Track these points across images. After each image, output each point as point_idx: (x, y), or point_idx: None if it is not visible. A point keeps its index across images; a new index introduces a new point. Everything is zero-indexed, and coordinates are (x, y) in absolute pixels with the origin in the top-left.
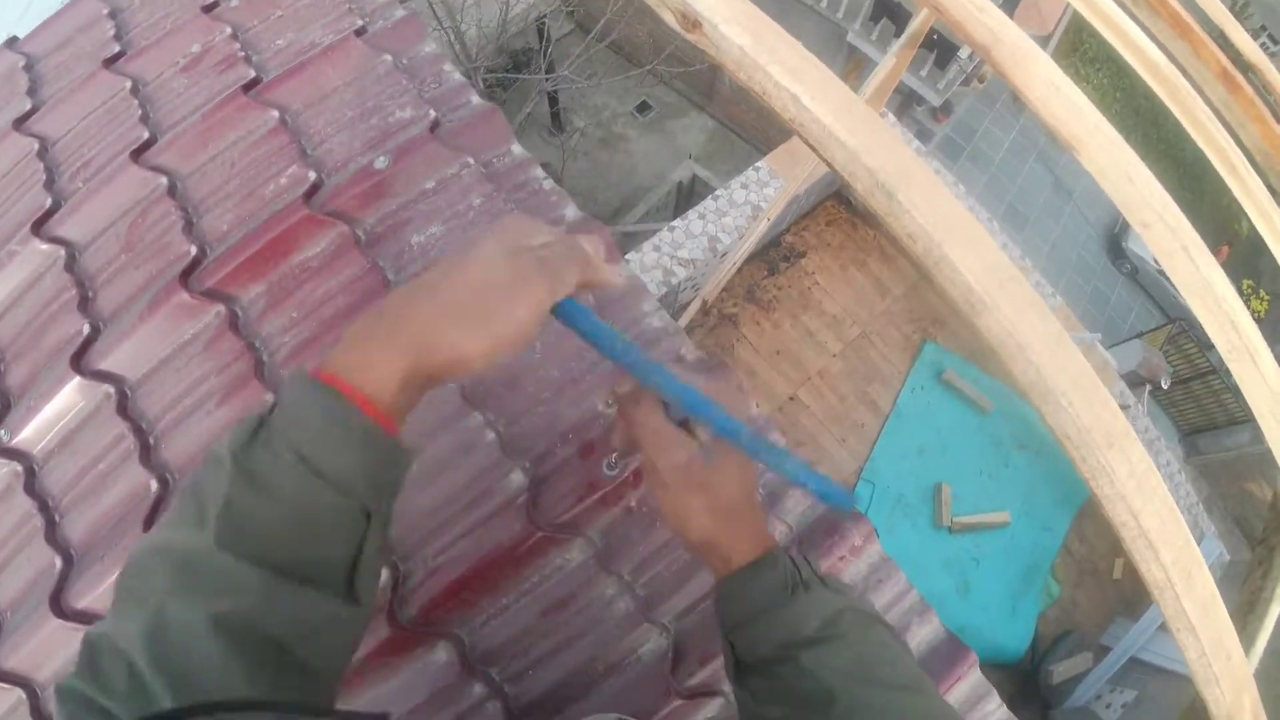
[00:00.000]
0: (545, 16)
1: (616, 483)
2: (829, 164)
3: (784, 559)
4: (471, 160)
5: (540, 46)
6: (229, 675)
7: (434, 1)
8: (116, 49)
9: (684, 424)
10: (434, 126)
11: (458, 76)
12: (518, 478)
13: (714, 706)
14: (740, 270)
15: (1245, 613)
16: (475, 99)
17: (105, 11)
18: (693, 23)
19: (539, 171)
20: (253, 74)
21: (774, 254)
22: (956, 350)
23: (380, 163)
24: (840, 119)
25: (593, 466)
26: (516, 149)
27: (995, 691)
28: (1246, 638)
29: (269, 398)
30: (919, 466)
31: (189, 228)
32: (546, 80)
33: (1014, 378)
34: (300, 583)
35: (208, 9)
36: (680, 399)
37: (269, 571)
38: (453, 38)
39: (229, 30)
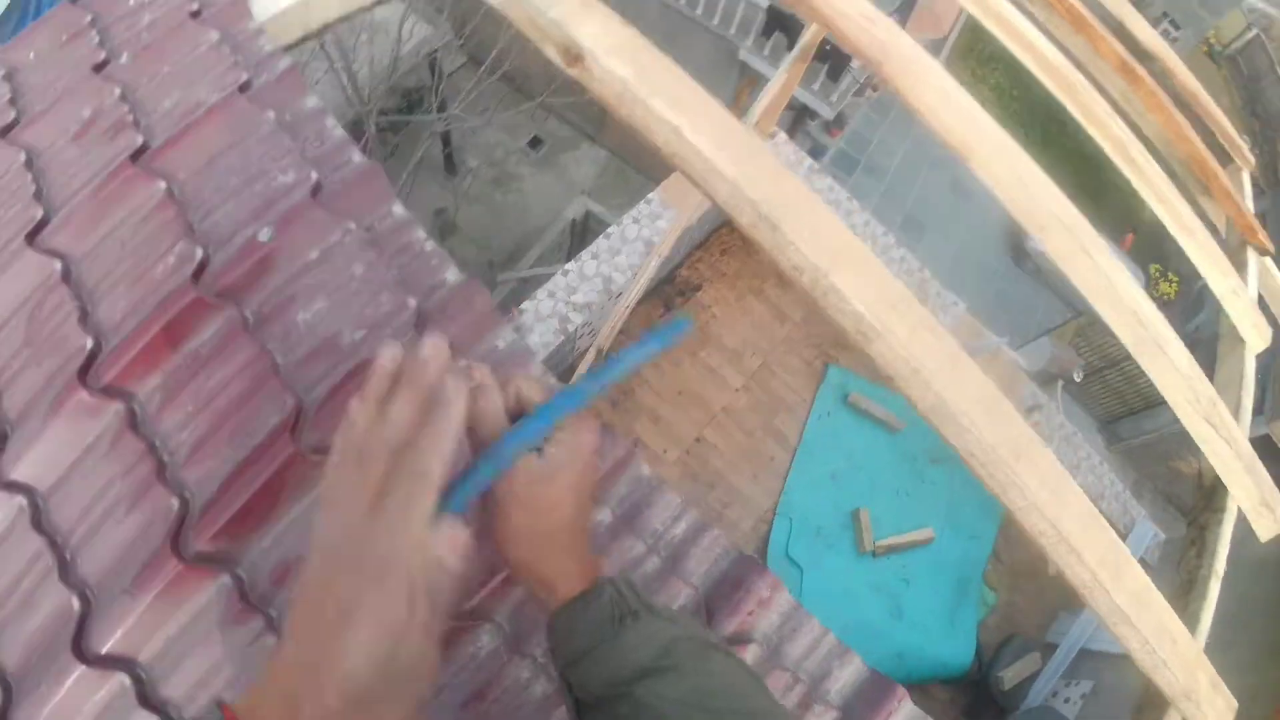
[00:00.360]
0: (437, 51)
1: None
2: (712, 199)
3: (609, 589)
4: (353, 225)
5: (432, 83)
6: None
7: (326, 42)
8: (12, 116)
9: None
10: (316, 190)
11: (339, 132)
12: None
13: None
14: (635, 310)
15: (1185, 592)
16: (357, 157)
17: (1, 74)
18: (575, 57)
19: (420, 234)
20: (140, 140)
21: (669, 290)
22: (860, 371)
23: (264, 234)
24: (723, 150)
25: (493, 549)
26: (398, 209)
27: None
28: (1190, 617)
29: (173, 502)
30: (835, 494)
31: (84, 317)
32: (439, 120)
33: (912, 402)
34: None
35: (98, 68)
36: (532, 434)
37: None
38: (345, 79)
39: (118, 91)
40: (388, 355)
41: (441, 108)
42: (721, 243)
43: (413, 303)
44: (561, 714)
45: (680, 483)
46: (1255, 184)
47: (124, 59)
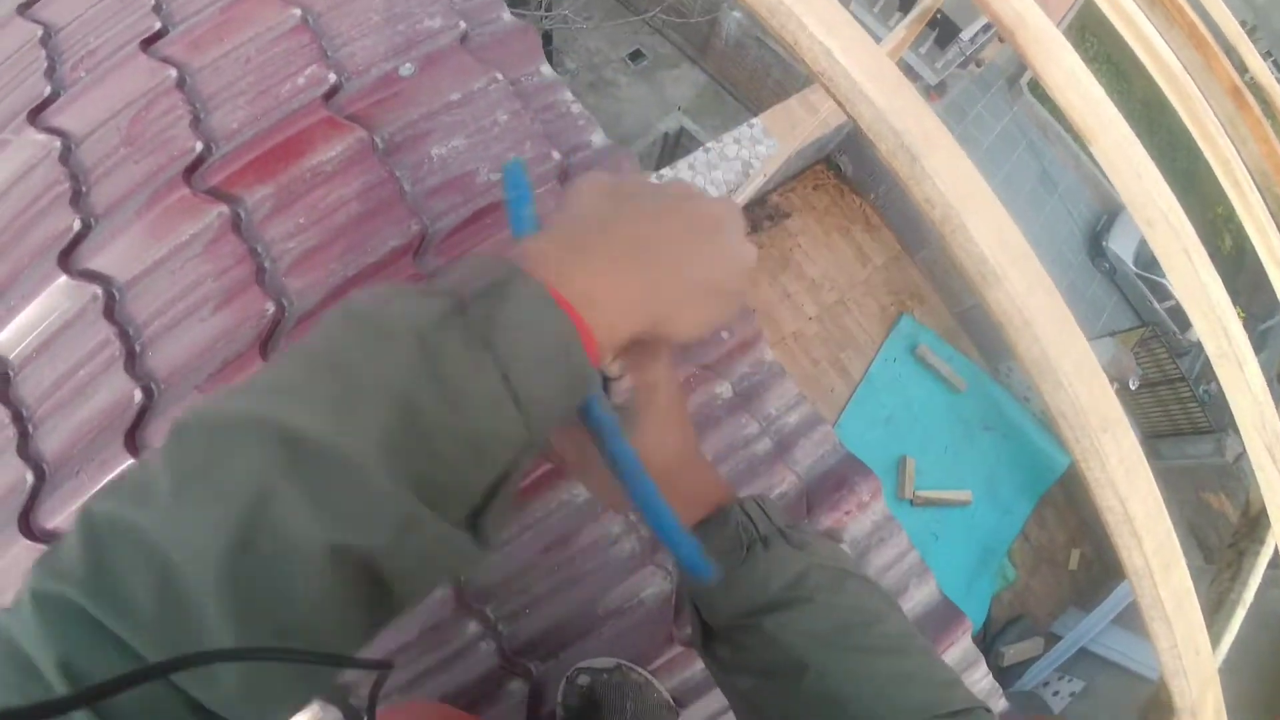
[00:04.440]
0: None
1: None
2: (855, 121)
3: (736, 514)
4: (500, 76)
5: None
6: (320, 615)
7: None
8: None
9: None
10: (463, 38)
11: None
12: None
13: None
14: None
15: (1212, 612)
16: (507, 15)
17: None
18: None
19: (568, 94)
20: None
21: (759, 212)
22: (932, 326)
23: (405, 70)
24: (871, 78)
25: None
26: (546, 70)
27: (984, 660)
28: (1213, 636)
29: (269, 306)
30: (885, 437)
31: (196, 123)
32: (544, 18)
33: (1017, 353)
34: (440, 518)
35: None
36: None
37: (421, 503)
38: None
39: None
40: None
41: (548, 8)
42: (815, 178)
43: (557, 155)
44: (640, 579)
45: None
46: None
47: None
